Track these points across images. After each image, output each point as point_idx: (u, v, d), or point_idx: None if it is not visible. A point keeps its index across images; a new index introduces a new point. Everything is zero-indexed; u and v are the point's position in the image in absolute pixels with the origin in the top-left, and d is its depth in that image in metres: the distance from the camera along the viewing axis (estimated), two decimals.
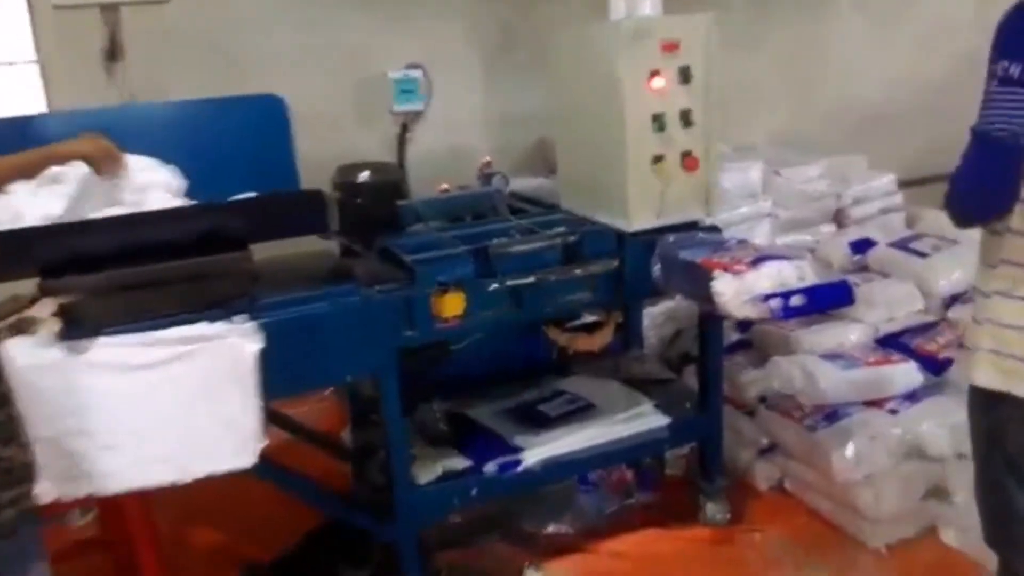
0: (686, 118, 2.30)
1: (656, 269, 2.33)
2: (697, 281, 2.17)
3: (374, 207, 2.67)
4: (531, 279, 2.22)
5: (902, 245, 3.26)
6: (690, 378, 3.18)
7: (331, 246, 2.59)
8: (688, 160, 2.32)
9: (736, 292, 2.05)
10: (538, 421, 2.56)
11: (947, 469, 2.50)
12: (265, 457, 1.96)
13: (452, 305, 2.17)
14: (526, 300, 2.26)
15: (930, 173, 4.86)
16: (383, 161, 3.26)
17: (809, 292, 2.05)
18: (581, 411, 2.59)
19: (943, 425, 2.53)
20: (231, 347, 1.89)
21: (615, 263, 2.31)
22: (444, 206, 2.82)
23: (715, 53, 2.30)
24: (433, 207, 2.77)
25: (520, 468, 2.40)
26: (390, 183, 2.78)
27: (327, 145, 3.44)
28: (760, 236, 3.73)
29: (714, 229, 2.44)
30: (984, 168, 1.51)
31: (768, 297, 2.04)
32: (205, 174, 2.23)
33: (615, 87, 2.25)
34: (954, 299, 3.03)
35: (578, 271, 2.27)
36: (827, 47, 4.55)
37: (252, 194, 2.13)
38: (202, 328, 1.88)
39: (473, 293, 2.19)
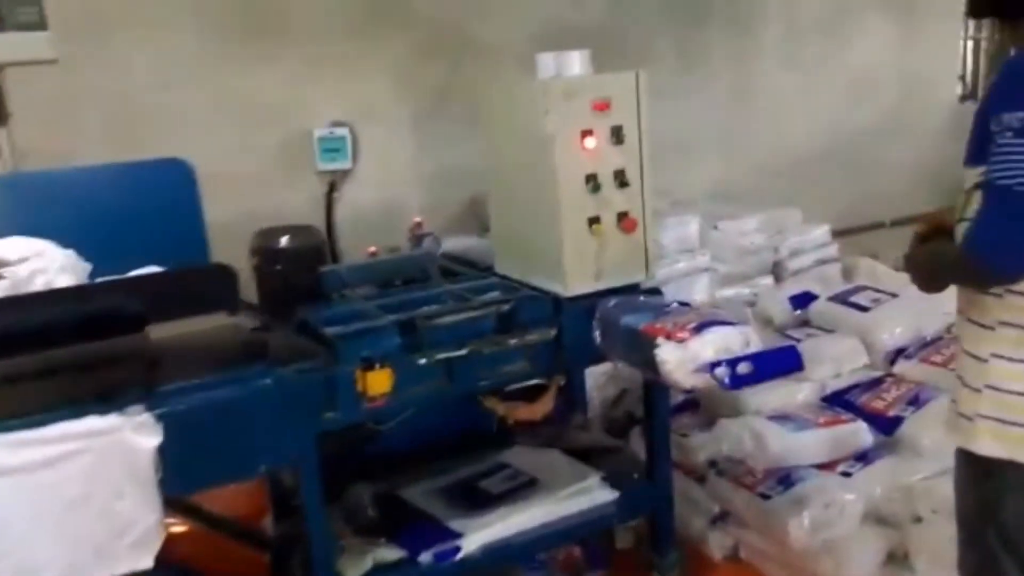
0: (621, 178, 2.20)
1: (597, 335, 2.20)
2: (640, 349, 2.04)
3: (294, 274, 2.49)
4: (463, 351, 2.06)
5: (842, 299, 3.22)
6: (636, 442, 3.05)
7: (246, 319, 2.39)
8: (625, 221, 2.22)
9: (680, 361, 1.93)
10: (478, 500, 2.38)
11: (906, 533, 2.40)
12: (167, 557, 1.75)
13: (378, 383, 1.99)
14: (459, 373, 2.10)
15: (859, 223, 4.96)
16: (305, 224, 3.07)
17: (756, 359, 1.94)
18: (524, 487, 2.42)
19: (899, 488, 2.44)
20: (124, 443, 1.70)
21: (553, 331, 2.17)
22: (371, 271, 2.66)
23: (647, 111, 2.22)
24: (359, 273, 2.61)
25: (459, 556, 2.21)
26: (312, 248, 2.60)
27: (251, 208, 3.28)
28: (699, 291, 3.67)
29: (655, 292, 2.33)
30: (1009, 224, 1.42)
31: (714, 365, 1.92)
32: (106, 249, 2.05)
33: (546, 147, 2.15)
34: (898, 353, 2.98)
35: (513, 341, 2.13)
36: (756, 98, 4.59)
37: (154, 269, 1.94)
38: (90, 423, 1.68)
39: (401, 369, 2.02)
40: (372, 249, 2.93)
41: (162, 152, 2.49)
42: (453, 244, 2.98)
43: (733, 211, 3.94)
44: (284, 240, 2.53)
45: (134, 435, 1.70)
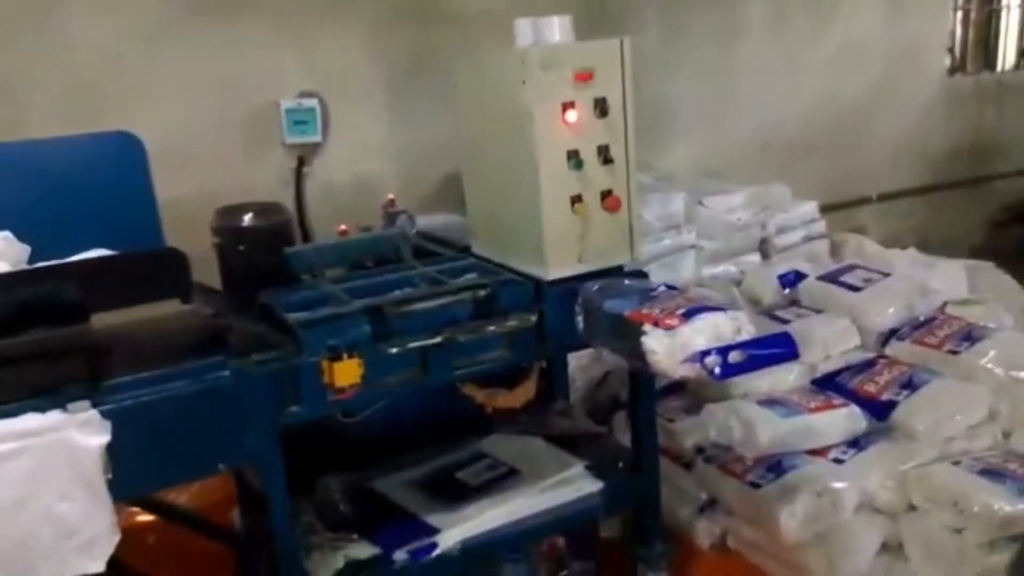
0: (604, 154, 2.06)
1: (579, 321, 2.08)
2: (625, 337, 1.92)
3: (259, 255, 2.34)
4: (438, 339, 1.93)
5: (832, 278, 3.12)
6: (621, 427, 2.95)
7: (203, 305, 2.24)
8: (609, 200, 2.08)
9: (669, 350, 1.81)
10: (456, 493, 2.26)
11: (900, 522, 2.31)
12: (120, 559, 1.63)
13: (347, 373, 1.86)
14: (434, 362, 1.97)
15: (846, 198, 4.87)
16: (270, 201, 2.93)
17: (749, 347, 1.83)
18: (503, 478, 2.31)
19: (892, 475, 2.35)
20: (68, 442, 1.56)
21: (533, 317, 2.04)
22: (341, 252, 2.51)
23: (632, 82, 2.08)
24: (328, 254, 2.47)
25: (436, 552, 2.09)
26: (277, 226, 2.44)
27: (215, 185, 3.10)
28: (685, 269, 3.57)
29: (640, 274, 2.21)
30: None
31: (704, 354, 1.81)
32: (48, 230, 1.89)
33: (525, 122, 2.00)
34: (891, 334, 2.89)
35: (492, 328, 2.00)
36: (741, 72, 4.45)
37: (100, 252, 1.78)
38: (29, 421, 1.54)
39: (371, 358, 1.89)
40: (342, 228, 2.77)
41: (119, 127, 2.33)
42: (428, 222, 2.83)
43: (719, 187, 3.83)
44: (247, 218, 2.38)
45: (78, 434, 1.57)
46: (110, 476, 1.61)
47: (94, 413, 1.58)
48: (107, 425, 1.60)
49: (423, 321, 1.96)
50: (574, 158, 2.02)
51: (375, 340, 1.91)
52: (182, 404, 1.71)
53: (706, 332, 1.83)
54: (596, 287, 2.08)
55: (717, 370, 1.80)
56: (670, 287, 2.08)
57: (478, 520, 2.16)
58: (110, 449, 1.60)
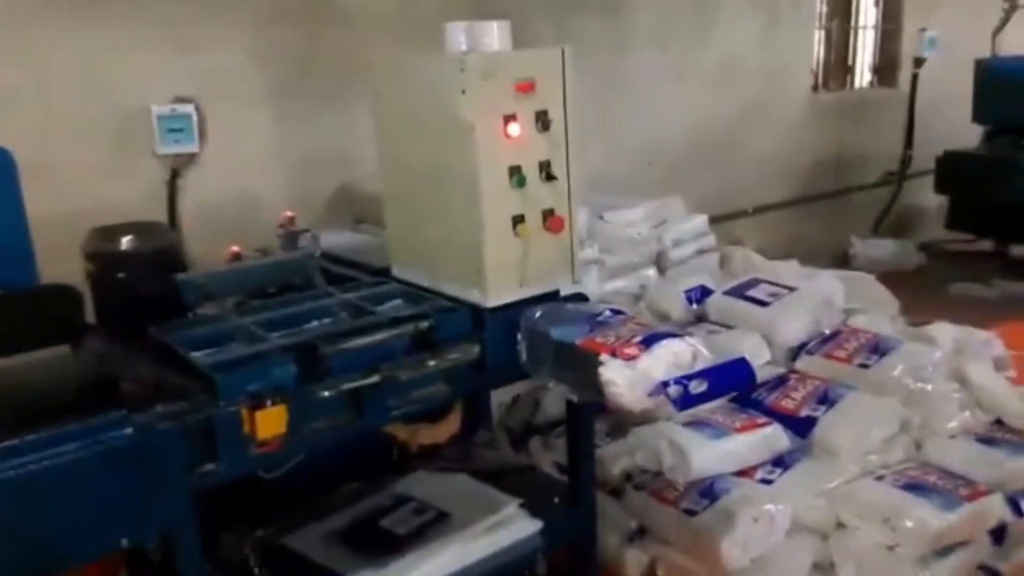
0: (547, 171, 1.93)
1: (522, 350, 1.93)
2: (577, 367, 1.80)
3: (143, 284, 2.05)
4: (376, 379, 1.72)
5: (739, 293, 3.13)
6: (539, 454, 2.83)
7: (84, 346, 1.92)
8: (552, 220, 1.95)
9: (631, 382, 1.70)
10: (382, 545, 2.04)
11: (830, 541, 2.31)
12: None
13: (271, 423, 1.63)
14: (368, 404, 1.76)
15: (724, 211, 4.99)
16: (150, 221, 2.60)
17: (709, 375, 1.75)
18: (433, 524, 2.11)
19: (820, 494, 2.35)
20: None
21: (476, 348, 1.87)
22: (240, 279, 2.24)
23: (574, 93, 1.96)
24: (225, 281, 2.19)
25: None
26: (163, 250, 2.15)
27: (74, 201, 2.73)
28: (589, 284, 3.47)
29: (581, 297, 2.09)
30: None
31: (665, 384, 1.71)
32: None
33: (464, 135, 1.83)
34: (800, 348, 2.92)
35: (433, 362, 1.81)
36: (629, 86, 4.46)
37: None
38: None
39: (298, 404, 1.66)
40: (234, 249, 2.48)
41: None
42: (333, 242, 2.59)
43: (614, 201, 3.79)
44: (127, 241, 2.10)
45: None
46: None
47: None
48: None
49: (356, 358, 1.75)
50: (516, 174, 1.88)
51: (302, 382, 1.68)
52: (75, 472, 1.43)
53: (667, 361, 1.74)
54: (539, 313, 1.94)
55: (679, 401, 1.71)
56: (615, 311, 1.97)
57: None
58: None
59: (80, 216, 2.31)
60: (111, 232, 2.11)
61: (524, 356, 1.93)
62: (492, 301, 1.92)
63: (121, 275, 2.06)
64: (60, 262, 2.05)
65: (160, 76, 3.01)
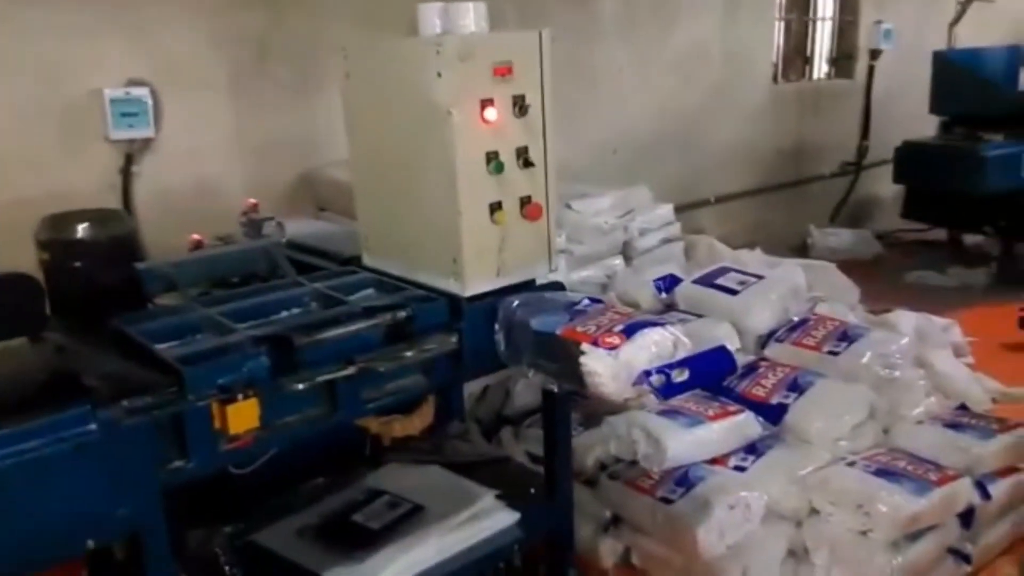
0: (524, 157, 1.89)
1: (500, 340, 1.89)
2: (558, 357, 1.77)
3: (101, 273, 1.97)
4: (351, 370, 1.67)
5: (708, 282, 3.13)
6: (510, 445, 2.80)
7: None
8: (530, 207, 1.91)
9: (614, 371, 1.67)
10: (357, 540, 1.99)
11: (804, 528, 2.32)
12: None
13: (243, 417, 1.56)
14: (344, 397, 1.71)
15: (687, 200, 5.01)
16: (107, 208, 2.49)
17: (690, 364, 1.73)
18: (408, 517, 2.07)
19: (793, 481, 2.36)
20: None
21: (453, 338, 1.82)
22: (203, 268, 2.16)
23: (551, 78, 1.92)
24: (189, 270, 2.11)
25: None
26: (120, 238, 2.08)
27: (23, 187, 2.62)
28: (558, 274, 3.46)
29: (558, 286, 2.05)
30: None
31: (647, 373, 1.69)
32: None
33: (440, 119, 1.78)
34: (769, 336, 2.93)
35: (410, 353, 1.76)
36: (594, 73, 4.43)
37: None
38: None
39: (271, 397, 1.60)
40: (195, 237, 2.39)
41: None
42: (297, 230, 2.52)
43: (581, 190, 3.76)
44: (83, 229, 2.02)
45: None
46: None
47: None
48: None
49: (330, 350, 1.69)
50: (494, 160, 1.83)
51: (275, 375, 1.62)
52: (38, 470, 1.36)
53: (646, 349, 1.71)
54: (516, 303, 1.90)
55: (662, 390, 1.69)
56: (594, 300, 1.94)
57: (388, 572, 1.91)
58: None
59: (32, 202, 2.22)
60: (66, 219, 2.02)
61: (502, 346, 1.89)
62: (470, 290, 1.87)
63: (77, 264, 1.98)
64: (13, 251, 1.96)
65: (112, 60, 2.91)
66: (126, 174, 3.01)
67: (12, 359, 1.60)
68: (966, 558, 2.35)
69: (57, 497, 1.38)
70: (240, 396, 1.56)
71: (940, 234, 5.88)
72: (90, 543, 1.44)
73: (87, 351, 1.73)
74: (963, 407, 2.77)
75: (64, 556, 1.46)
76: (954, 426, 2.58)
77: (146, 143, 3.02)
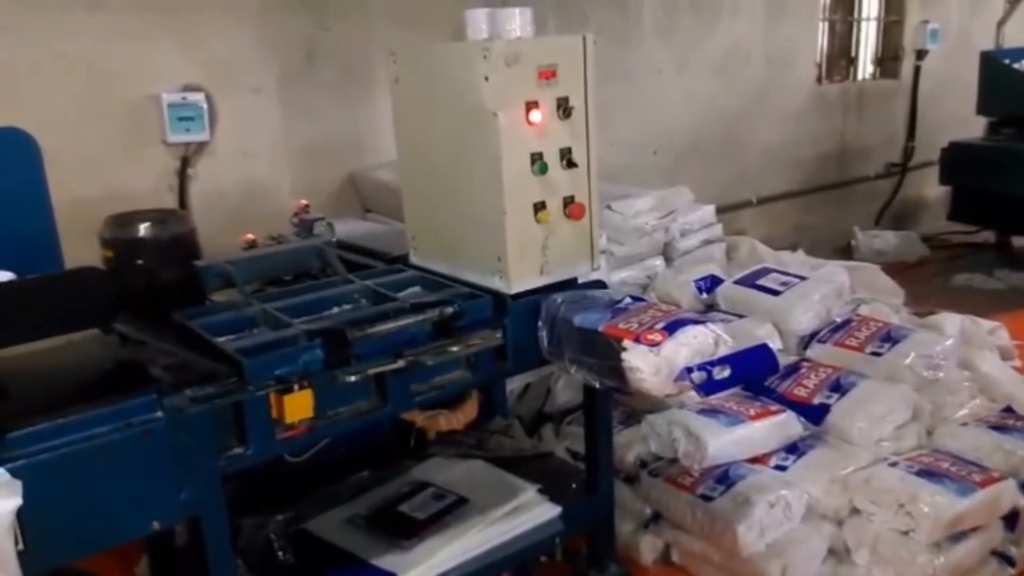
0: (568, 158, 1.94)
1: (543, 336, 1.94)
2: (602, 353, 1.80)
3: (163, 270, 2.06)
4: (401, 364, 1.73)
5: (749, 282, 3.14)
6: (551, 441, 2.84)
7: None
8: (573, 207, 1.96)
9: (655, 368, 1.70)
10: (403, 529, 2.06)
11: (845, 527, 2.33)
12: None
13: (298, 407, 1.63)
14: (394, 390, 1.77)
15: (728, 202, 5.00)
16: (167, 208, 2.60)
17: (732, 361, 1.76)
18: (453, 509, 2.12)
19: (834, 480, 2.37)
20: None
21: (498, 334, 1.88)
22: (258, 266, 2.25)
23: (594, 81, 1.96)
24: (244, 268, 2.19)
25: None
26: (181, 237, 2.16)
27: (85, 189, 2.73)
28: (600, 273, 3.50)
29: (600, 284, 2.10)
30: None
31: (689, 370, 1.72)
32: None
33: (487, 122, 1.84)
34: (811, 337, 2.94)
35: (456, 348, 1.82)
36: (633, 75, 4.46)
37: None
38: None
39: (324, 388, 1.67)
40: (249, 237, 2.48)
41: None
42: (347, 230, 2.59)
43: (622, 191, 3.79)
44: (145, 228, 2.10)
45: None
46: (21, 547, 1.32)
47: (1, 472, 1.29)
48: (17, 485, 1.31)
49: (381, 344, 1.75)
50: (538, 161, 1.88)
51: (329, 367, 1.69)
52: (107, 454, 1.44)
53: (690, 347, 1.74)
54: (560, 300, 1.95)
55: (703, 387, 1.72)
56: (636, 298, 1.98)
57: (434, 560, 1.97)
58: (21, 515, 1.30)
59: (94, 203, 2.31)
60: (129, 219, 2.11)
61: (545, 342, 1.94)
62: (514, 287, 1.92)
63: (140, 261, 2.07)
64: (72, 248, 2.06)
65: (166, 65, 3.01)
66: (182, 176, 3.12)
67: (83, 350, 1.69)
68: (1010, 560, 2.33)
69: (125, 480, 1.46)
70: (296, 387, 1.63)
71: (988, 236, 5.78)
72: (155, 524, 1.51)
73: (151, 343, 1.82)
74: (1009, 409, 2.74)
75: (131, 536, 1.54)
76: (999, 428, 2.56)
77: (201, 146, 3.13)
